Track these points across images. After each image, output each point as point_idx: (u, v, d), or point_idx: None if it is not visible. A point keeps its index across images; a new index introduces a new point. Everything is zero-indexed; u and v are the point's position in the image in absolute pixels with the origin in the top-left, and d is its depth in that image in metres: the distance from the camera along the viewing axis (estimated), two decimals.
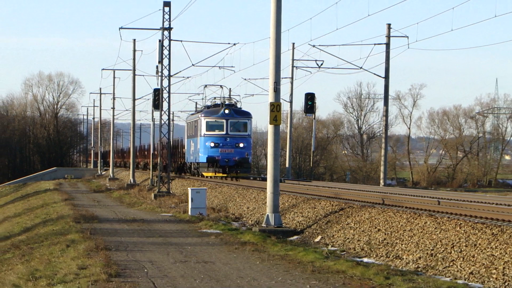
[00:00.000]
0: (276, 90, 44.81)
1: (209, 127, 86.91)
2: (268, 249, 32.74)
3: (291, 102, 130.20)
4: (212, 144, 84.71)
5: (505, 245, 29.09)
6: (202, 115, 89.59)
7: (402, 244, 35.56)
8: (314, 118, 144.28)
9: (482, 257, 29.29)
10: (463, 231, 33.12)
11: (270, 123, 44.76)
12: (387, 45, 62.21)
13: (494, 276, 27.47)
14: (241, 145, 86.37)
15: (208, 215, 52.39)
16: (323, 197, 54.94)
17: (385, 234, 38.12)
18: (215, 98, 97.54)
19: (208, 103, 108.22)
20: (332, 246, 37.94)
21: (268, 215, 43.68)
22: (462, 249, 31.10)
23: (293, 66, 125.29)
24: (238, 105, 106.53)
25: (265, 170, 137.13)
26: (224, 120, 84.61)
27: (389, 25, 63.59)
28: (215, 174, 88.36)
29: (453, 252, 31.41)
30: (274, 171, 44.77)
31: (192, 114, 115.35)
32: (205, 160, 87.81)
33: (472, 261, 29.63)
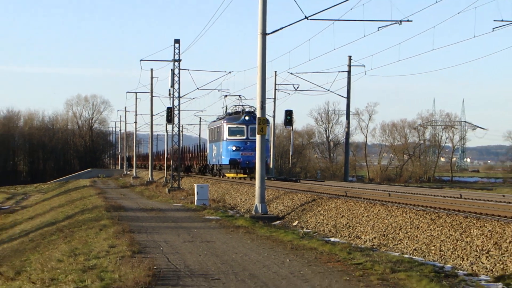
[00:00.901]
0: (262, 107, 45.21)
1: (231, 132, 78.60)
2: (257, 231, 33.25)
3: (274, 117, 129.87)
4: (234, 148, 76.68)
5: (441, 227, 30.12)
6: (225, 121, 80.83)
7: (360, 227, 36.50)
8: (292, 130, 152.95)
9: (423, 236, 30.31)
10: (408, 217, 33.96)
11: (258, 133, 45.21)
12: (349, 72, 66.85)
13: (433, 251, 28.62)
14: None
15: (210, 205, 54.08)
16: (300, 190, 56.18)
17: (347, 219, 38.85)
18: (235, 106, 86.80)
19: (229, 111, 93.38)
20: (306, 228, 38.92)
21: (256, 205, 44.44)
22: (408, 231, 32.09)
23: (275, 89, 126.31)
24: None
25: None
26: (244, 126, 76.61)
27: (350, 57, 67.61)
28: (237, 175, 79.60)
29: (400, 233, 32.51)
30: (261, 171, 45.38)
31: (214, 121, 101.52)
32: (227, 162, 79.07)
33: (416, 240, 30.64)
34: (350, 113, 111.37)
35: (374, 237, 33.90)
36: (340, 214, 40.35)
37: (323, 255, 25.34)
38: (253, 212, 44.44)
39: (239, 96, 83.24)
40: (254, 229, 34.93)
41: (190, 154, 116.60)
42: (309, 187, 65.22)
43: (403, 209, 36.64)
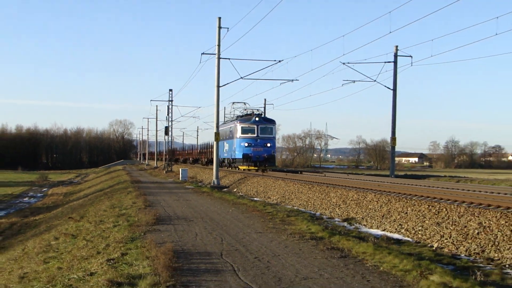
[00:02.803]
0: (217, 131, 45.68)
1: (243, 131, 63.22)
2: (214, 194, 34.21)
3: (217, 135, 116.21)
4: (246, 144, 61.80)
5: (314, 192, 31.71)
6: (238, 122, 64.69)
7: (270, 192, 37.84)
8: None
9: (304, 197, 31.92)
10: (296, 186, 35.56)
11: (215, 140, 46.70)
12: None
13: (310, 205, 29.90)
14: (268, 145, 62.87)
15: (188, 180, 56.01)
16: (237, 172, 57.05)
17: (263, 188, 40.28)
18: (246, 109, 71.69)
19: (239, 113, 76.42)
20: (240, 193, 40.44)
21: (214, 180, 45.81)
22: (296, 194, 33.72)
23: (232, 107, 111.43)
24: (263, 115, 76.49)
25: None
26: (255, 126, 62.11)
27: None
28: (249, 167, 63.80)
29: (292, 195, 34.05)
30: (216, 161, 46.32)
31: (222, 124, 76.62)
32: (241, 157, 62.89)
33: (300, 199, 32.18)
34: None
35: (278, 198, 35.37)
36: (260, 185, 41.74)
37: (250, 207, 26.62)
38: (212, 184, 45.28)
39: (244, 103, 71.42)
40: (212, 193, 35.93)
41: (197, 151, 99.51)
42: (244, 170, 66.00)
43: (294, 182, 38.33)
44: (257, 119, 54.40)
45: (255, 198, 35.53)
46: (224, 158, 66.27)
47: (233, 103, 67.99)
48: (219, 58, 44.08)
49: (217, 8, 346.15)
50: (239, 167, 57.98)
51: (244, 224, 20.12)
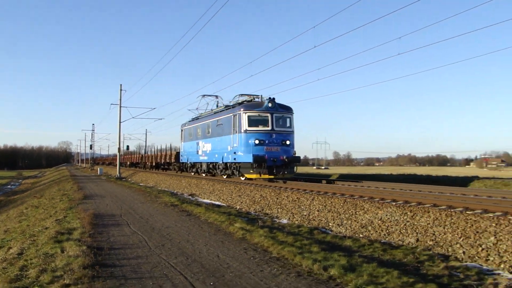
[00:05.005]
0: (119, 147, 44.77)
1: (252, 122, 23.67)
2: (118, 182, 32.77)
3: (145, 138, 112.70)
4: (257, 142, 23.20)
5: (173, 180, 29.87)
6: (243, 109, 23.88)
7: (149, 180, 35.09)
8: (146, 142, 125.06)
9: (168, 183, 29.94)
10: (163, 176, 33.46)
11: (118, 152, 45.20)
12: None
13: (171, 188, 27.70)
14: (288, 142, 23.93)
15: (103, 174, 50.99)
16: (135, 169, 54.89)
17: (145, 177, 37.49)
18: (242, 94, 27.10)
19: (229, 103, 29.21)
20: (132, 181, 37.62)
21: (117, 173, 43.55)
22: (163, 181, 31.41)
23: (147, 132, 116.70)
24: None
25: None
26: (268, 114, 23.58)
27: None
28: (260, 175, 22.86)
29: (161, 182, 31.65)
30: (119, 164, 44.53)
31: (195, 119, 33.76)
32: (250, 160, 22.62)
33: (165, 183, 29.90)
34: None
35: (153, 183, 32.60)
36: (144, 176, 39.45)
37: (137, 189, 25.69)
38: (116, 176, 42.84)
39: (216, 96, 33.92)
40: (116, 181, 34.65)
41: (139, 155, 65.04)
42: (139, 167, 61.05)
43: (161, 174, 36.28)
44: (270, 105, 24.06)
45: (141, 184, 33.42)
46: (209, 163, 29.69)
47: (204, 95, 33.29)
48: (120, 106, 44.07)
49: (122, 67, 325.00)
50: (246, 175, 24.03)
51: (134, 198, 19.68)
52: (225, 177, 25.95)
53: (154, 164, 49.94)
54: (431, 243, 8.96)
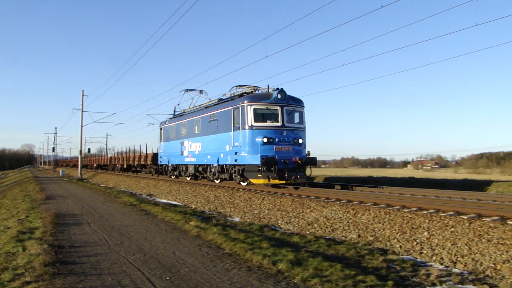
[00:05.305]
0: (81, 150, 43.84)
1: (258, 116, 16.31)
2: (79, 183, 32.01)
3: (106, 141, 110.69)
4: (265, 140, 15.89)
5: (132, 181, 29.16)
6: (247, 101, 16.63)
7: (109, 181, 34.11)
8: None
9: (127, 184, 29.18)
10: (123, 178, 32.81)
11: (80, 154, 44.36)
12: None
13: (130, 188, 26.90)
14: (300, 141, 16.73)
15: (65, 176, 49.27)
16: (96, 171, 53.52)
17: (105, 178, 36.61)
18: (240, 85, 19.31)
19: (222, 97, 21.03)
20: (95, 182, 36.16)
21: (79, 176, 42.08)
22: (123, 182, 30.63)
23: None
24: None
25: None
26: (278, 107, 16.38)
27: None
28: (269, 181, 15.69)
29: (120, 183, 30.92)
30: (81, 166, 43.30)
31: (176, 116, 26.58)
32: (257, 162, 15.60)
33: (125, 184, 29.17)
34: None
35: (113, 184, 31.71)
36: (105, 177, 38.35)
37: (97, 189, 25.13)
38: (77, 178, 41.52)
39: (200, 91, 26.00)
40: (78, 182, 33.70)
41: (107, 157, 56.28)
42: (96, 168, 59.41)
43: (120, 175, 35.81)
44: (279, 96, 16.80)
45: (101, 185, 32.29)
46: (198, 165, 22.29)
47: (187, 90, 26.25)
48: (82, 111, 42.77)
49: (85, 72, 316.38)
50: (251, 180, 16.56)
51: (94, 198, 19.23)
52: (217, 181, 21.08)
53: (125, 166, 42.62)
54: (371, 238, 9.08)
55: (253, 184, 17.78)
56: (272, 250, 7.37)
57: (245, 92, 18.66)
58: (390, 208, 10.39)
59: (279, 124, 16.50)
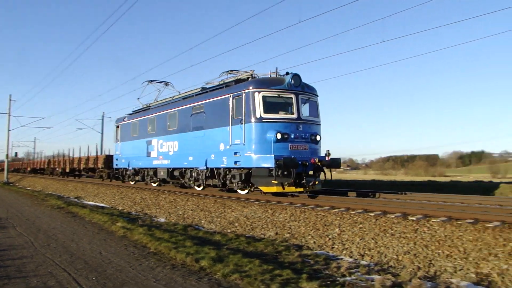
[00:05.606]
0: (7, 155, 41.58)
1: (269, 106, 10.89)
2: (5, 187, 29.78)
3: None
4: (279, 136, 10.61)
5: (61, 184, 27.67)
6: (251, 86, 11.25)
7: (36, 184, 32.24)
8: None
9: (55, 187, 27.54)
10: (50, 181, 30.89)
11: (6, 158, 41.20)
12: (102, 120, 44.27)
13: (58, 191, 25.32)
14: (318, 138, 11.69)
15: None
16: (24, 174, 49.97)
17: (33, 182, 34.43)
18: (232, 70, 13.84)
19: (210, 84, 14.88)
20: (21, 186, 34.02)
21: (5, 179, 38.77)
22: (50, 186, 28.89)
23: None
24: None
25: None
26: (293, 95, 11.05)
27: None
28: (283, 189, 10.92)
29: (48, 186, 29.21)
30: (7, 169, 40.06)
31: (137, 112, 20.34)
32: (271, 164, 10.35)
33: (53, 187, 27.60)
34: None
35: (42, 187, 29.44)
36: (32, 181, 36.28)
37: (25, 193, 23.83)
38: (4, 181, 38.25)
39: (165, 83, 19.63)
40: (4, 186, 31.79)
41: (45, 161, 46.54)
42: (38, 173, 57.23)
43: (48, 178, 34.18)
44: (293, 81, 11.35)
45: (28, 188, 30.13)
46: (173, 169, 16.37)
47: (151, 81, 19.96)
48: (9, 115, 40.08)
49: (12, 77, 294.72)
50: (262, 188, 11.56)
51: (21, 202, 18.17)
52: (199, 189, 15.86)
53: (68, 170, 35.90)
54: (288, 235, 9.10)
55: (264, 193, 13.00)
56: (195, 248, 7.32)
57: (239, 79, 13.39)
58: (305, 207, 10.44)
59: (295, 116, 11.76)
